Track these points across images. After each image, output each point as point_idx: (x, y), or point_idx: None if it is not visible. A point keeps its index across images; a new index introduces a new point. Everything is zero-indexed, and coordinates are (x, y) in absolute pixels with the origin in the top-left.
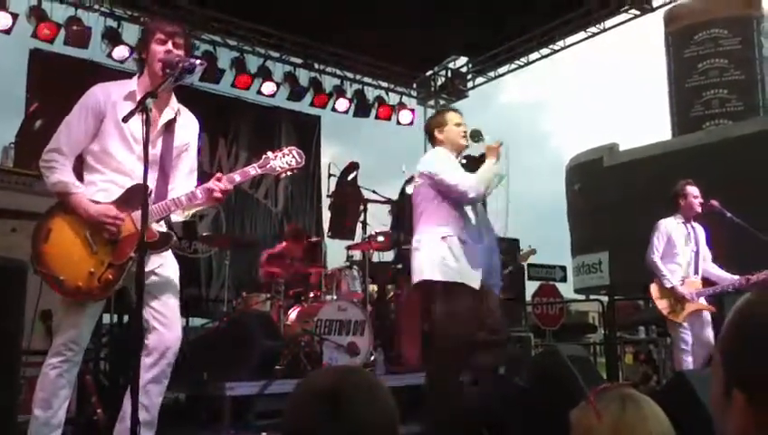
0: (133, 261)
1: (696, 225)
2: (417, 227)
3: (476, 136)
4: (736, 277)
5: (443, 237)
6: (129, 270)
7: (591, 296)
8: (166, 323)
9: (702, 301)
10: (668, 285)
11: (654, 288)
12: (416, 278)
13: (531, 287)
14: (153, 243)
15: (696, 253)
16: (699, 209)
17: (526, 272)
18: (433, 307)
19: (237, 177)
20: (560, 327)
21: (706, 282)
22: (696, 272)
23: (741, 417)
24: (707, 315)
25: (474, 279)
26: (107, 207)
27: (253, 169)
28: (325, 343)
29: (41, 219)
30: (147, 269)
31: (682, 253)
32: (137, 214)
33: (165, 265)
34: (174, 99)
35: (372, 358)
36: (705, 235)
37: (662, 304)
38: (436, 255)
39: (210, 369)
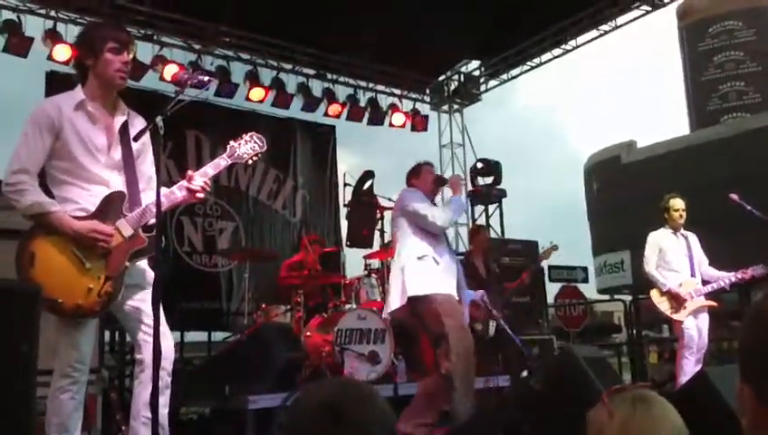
0: (128, 270)
1: (686, 233)
2: (395, 254)
3: (440, 181)
4: (732, 274)
5: (419, 257)
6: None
7: (615, 296)
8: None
9: (702, 299)
10: (665, 289)
11: (654, 293)
12: (400, 297)
13: (552, 289)
14: (144, 249)
15: (690, 258)
16: (682, 221)
17: (547, 274)
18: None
19: (210, 170)
20: (583, 328)
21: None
22: (693, 275)
23: (750, 412)
24: (706, 317)
25: (451, 289)
26: (94, 223)
27: (223, 160)
28: (346, 352)
29: (21, 244)
30: (132, 283)
31: (675, 260)
32: (120, 223)
33: (146, 276)
34: (122, 102)
35: (394, 366)
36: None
37: (664, 307)
38: (418, 273)
39: (233, 382)
